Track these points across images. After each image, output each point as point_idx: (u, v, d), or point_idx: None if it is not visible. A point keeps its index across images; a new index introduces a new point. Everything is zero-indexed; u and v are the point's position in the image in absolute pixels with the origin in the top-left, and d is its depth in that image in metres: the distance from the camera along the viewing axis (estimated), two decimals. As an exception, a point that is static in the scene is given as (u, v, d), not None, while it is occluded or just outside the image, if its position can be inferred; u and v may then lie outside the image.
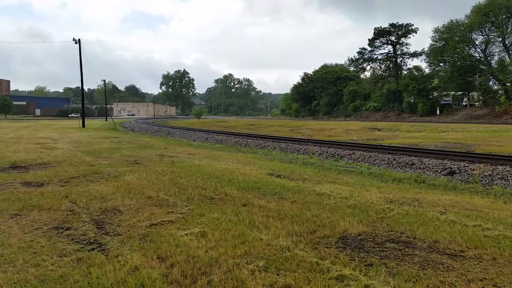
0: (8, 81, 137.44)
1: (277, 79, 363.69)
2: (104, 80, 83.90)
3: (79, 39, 41.22)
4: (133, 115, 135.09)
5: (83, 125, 41.05)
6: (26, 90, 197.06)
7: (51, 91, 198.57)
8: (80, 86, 44.81)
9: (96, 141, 21.26)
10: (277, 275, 3.96)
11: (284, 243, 4.84)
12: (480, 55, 64.01)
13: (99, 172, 10.29)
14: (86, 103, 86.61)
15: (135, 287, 3.69)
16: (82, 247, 4.75)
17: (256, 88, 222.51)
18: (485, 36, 62.76)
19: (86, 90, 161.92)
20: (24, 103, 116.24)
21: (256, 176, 9.74)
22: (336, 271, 4.04)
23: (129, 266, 4.14)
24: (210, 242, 4.87)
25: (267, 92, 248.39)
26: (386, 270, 4.09)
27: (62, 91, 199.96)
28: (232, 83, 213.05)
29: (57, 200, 7.06)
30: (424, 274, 3.98)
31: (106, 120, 68.03)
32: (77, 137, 24.36)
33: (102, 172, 10.21)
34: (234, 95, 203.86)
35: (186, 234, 5.17)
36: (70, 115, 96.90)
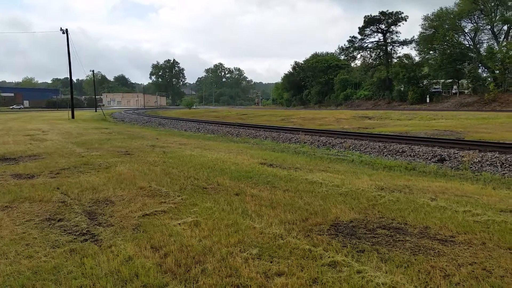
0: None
1: (268, 68, 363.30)
2: (93, 71, 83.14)
3: (66, 29, 40.58)
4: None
5: (73, 116, 40.62)
6: (14, 82, 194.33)
7: (39, 82, 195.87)
8: (68, 76, 44.23)
9: (86, 132, 21.08)
10: (271, 262, 3.99)
11: (277, 231, 4.87)
12: (470, 43, 64.32)
13: (90, 163, 10.22)
14: (75, 94, 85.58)
15: (129, 276, 3.70)
16: (74, 238, 4.73)
17: (247, 78, 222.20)
18: (474, 24, 63.01)
19: (75, 81, 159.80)
20: (12, 94, 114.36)
21: (248, 166, 9.75)
22: (329, 257, 4.08)
23: (122, 256, 4.15)
24: (204, 231, 4.89)
25: (258, 82, 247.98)
26: (378, 256, 4.14)
27: (51, 82, 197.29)
28: (223, 73, 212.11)
29: (48, 191, 7.01)
30: (415, 260, 4.04)
31: (96, 111, 67.40)
32: (67, 129, 24.13)
33: (93, 163, 10.14)
34: (225, 85, 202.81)
35: (179, 224, 5.18)
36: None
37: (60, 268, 3.90)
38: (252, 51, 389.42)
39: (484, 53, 57.58)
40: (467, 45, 63.98)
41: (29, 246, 4.50)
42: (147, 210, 5.85)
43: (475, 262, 3.98)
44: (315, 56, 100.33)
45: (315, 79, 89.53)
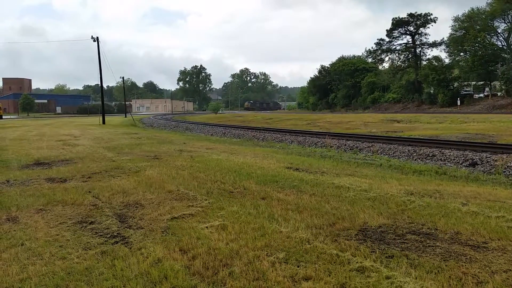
0: (30, 80, 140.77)
1: (293, 72, 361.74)
2: (123, 78, 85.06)
3: (97, 37, 41.71)
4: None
5: (103, 122, 41.68)
6: (47, 89, 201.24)
7: (71, 89, 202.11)
8: (99, 83, 45.46)
9: (117, 137, 21.58)
10: (298, 266, 3.99)
11: (303, 235, 4.85)
12: (503, 43, 62.51)
13: (120, 167, 10.47)
14: (105, 100, 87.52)
15: (159, 278, 3.77)
16: (106, 241, 4.86)
17: (272, 82, 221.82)
18: (508, 24, 61.15)
19: (105, 87, 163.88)
20: (46, 101, 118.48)
21: (274, 170, 9.76)
22: (357, 262, 4.04)
23: (152, 258, 4.23)
24: (231, 234, 4.92)
25: (283, 86, 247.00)
26: (408, 261, 4.07)
27: (82, 88, 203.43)
28: (249, 78, 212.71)
29: (80, 195, 7.22)
30: (446, 266, 3.95)
31: (126, 116, 68.92)
32: (98, 134, 24.77)
33: (123, 167, 10.38)
34: (250, 90, 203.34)
35: (207, 227, 5.24)
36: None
37: (92, 269, 4.01)
38: (278, 55, 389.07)
39: (518, 54, 55.72)
40: (500, 46, 62.11)
41: (62, 247, 4.65)
42: (176, 213, 5.94)
43: (510, 270, 3.85)
44: (341, 59, 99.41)
45: (342, 83, 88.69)
